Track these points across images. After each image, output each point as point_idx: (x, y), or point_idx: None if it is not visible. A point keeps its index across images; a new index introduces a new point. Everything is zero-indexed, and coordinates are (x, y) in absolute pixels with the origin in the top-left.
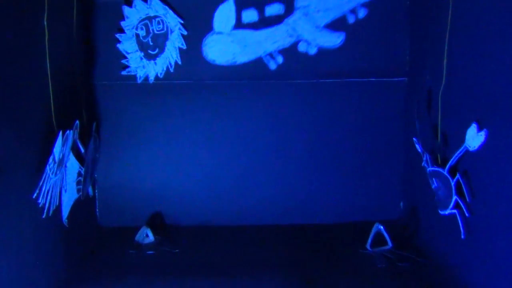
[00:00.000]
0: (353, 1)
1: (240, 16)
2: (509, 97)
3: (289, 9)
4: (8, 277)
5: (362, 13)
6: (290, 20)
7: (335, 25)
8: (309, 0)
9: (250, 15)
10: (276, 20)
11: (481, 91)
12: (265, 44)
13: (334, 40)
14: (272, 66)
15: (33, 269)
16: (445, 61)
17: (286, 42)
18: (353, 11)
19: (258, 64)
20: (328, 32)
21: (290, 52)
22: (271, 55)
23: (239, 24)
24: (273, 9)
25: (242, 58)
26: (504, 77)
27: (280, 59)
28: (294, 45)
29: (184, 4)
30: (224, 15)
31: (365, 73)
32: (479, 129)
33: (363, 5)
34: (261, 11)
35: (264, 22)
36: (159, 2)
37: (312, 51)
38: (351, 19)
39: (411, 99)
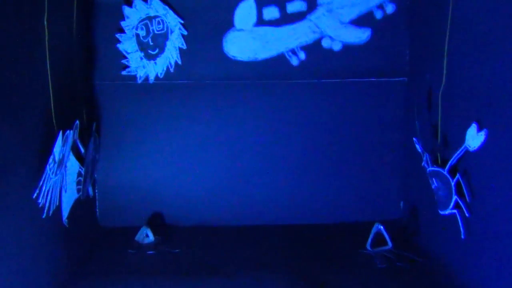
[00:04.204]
0: None
1: (261, 13)
2: (509, 97)
3: (312, 5)
4: (8, 277)
5: (390, 9)
6: (312, 16)
7: (361, 21)
8: None
9: (271, 12)
10: (298, 17)
11: (481, 91)
12: (287, 40)
13: (360, 35)
14: (295, 62)
15: (33, 269)
16: (445, 61)
17: (309, 38)
18: (380, 6)
19: (279, 60)
20: (354, 28)
21: (313, 48)
22: (293, 51)
23: (260, 21)
24: (294, 6)
25: (264, 54)
26: (504, 77)
27: (302, 55)
28: (318, 41)
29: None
30: (244, 13)
31: (365, 73)
32: (479, 129)
33: (391, 0)
34: (282, 8)
35: (286, 19)
36: (159, 2)
37: (337, 47)
38: (378, 15)
39: (411, 99)
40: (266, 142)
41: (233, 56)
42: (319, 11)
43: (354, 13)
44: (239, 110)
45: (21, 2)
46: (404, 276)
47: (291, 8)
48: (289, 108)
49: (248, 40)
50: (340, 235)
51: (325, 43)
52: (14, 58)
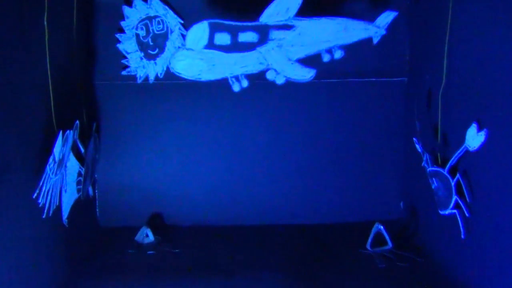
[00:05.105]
0: (330, 42)
1: (213, 37)
2: (509, 97)
3: (263, 39)
4: (8, 277)
5: (338, 55)
6: (262, 49)
7: (308, 61)
8: (285, 34)
9: (222, 38)
10: (249, 47)
11: (481, 91)
12: (233, 66)
13: (304, 74)
14: (236, 88)
15: (33, 269)
16: (445, 61)
17: (254, 68)
18: (329, 51)
19: (222, 84)
20: (300, 66)
21: (257, 78)
22: (237, 78)
23: (210, 45)
24: (246, 37)
25: (208, 76)
26: (504, 77)
27: (245, 83)
28: (263, 72)
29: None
30: (197, 34)
31: (365, 73)
32: (479, 129)
33: (340, 47)
34: (234, 36)
35: (236, 47)
36: (159, 2)
37: (280, 81)
38: (325, 58)
39: (411, 99)
40: (266, 142)
41: (177, 72)
42: (270, 45)
43: (303, 52)
44: (239, 110)
45: (21, 2)
46: (404, 276)
47: (243, 37)
48: (289, 108)
49: (195, 60)
50: (340, 235)
51: (269, 76)
52: (14, 59)
